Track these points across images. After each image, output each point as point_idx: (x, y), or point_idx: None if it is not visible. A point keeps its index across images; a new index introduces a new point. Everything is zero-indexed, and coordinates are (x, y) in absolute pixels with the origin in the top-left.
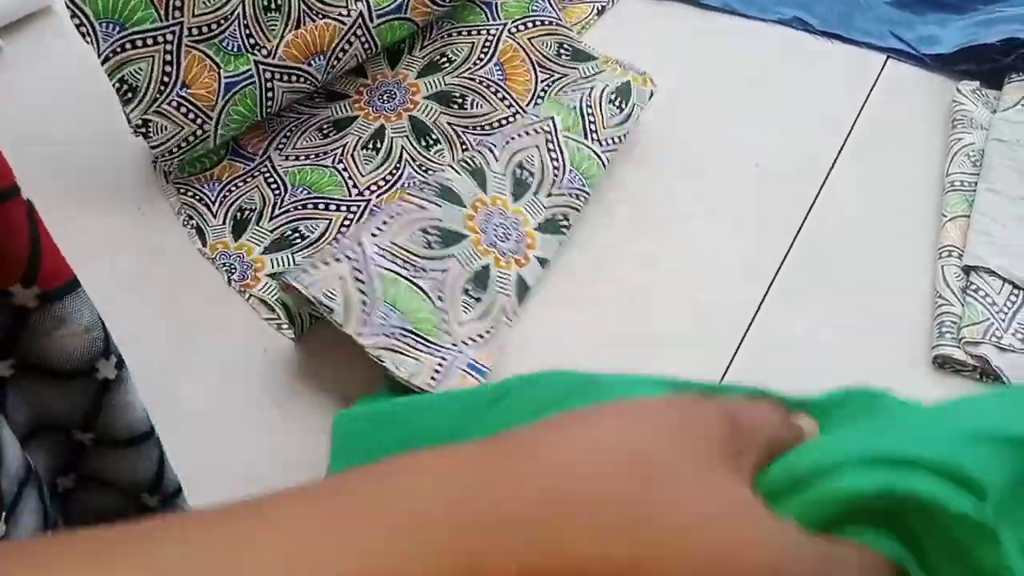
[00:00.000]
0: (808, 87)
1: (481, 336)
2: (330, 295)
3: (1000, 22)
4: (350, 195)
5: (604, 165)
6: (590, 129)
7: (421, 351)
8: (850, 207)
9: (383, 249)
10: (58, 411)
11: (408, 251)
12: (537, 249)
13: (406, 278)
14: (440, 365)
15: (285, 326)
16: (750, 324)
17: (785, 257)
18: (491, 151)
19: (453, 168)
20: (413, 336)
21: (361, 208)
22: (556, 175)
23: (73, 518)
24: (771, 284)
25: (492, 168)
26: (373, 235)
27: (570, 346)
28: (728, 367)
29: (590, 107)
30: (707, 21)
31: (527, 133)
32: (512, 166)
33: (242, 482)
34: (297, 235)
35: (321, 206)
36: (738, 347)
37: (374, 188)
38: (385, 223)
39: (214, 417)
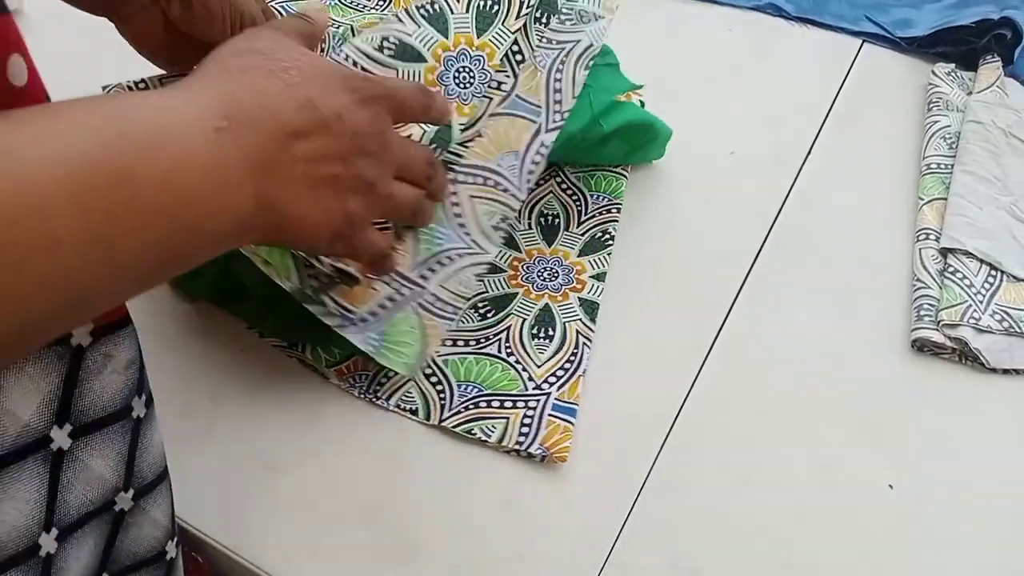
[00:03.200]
0: (783, 73)
1: (564, 369)
2: (407, 398)
3: (974, 4)
4: None
5: (624, 175)
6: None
7: (507, 408)
8: (827, 192)
9: (443, 341)
10: (104, 473)
11: (466, 330)
12: (588, 271)
13: (471, 354)
14: (528, 416)
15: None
16: (730, 309)
17: (763, 243)
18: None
19: (486, 236)
20: (495, 397)
21: None
22: (579, 206)
23: None
24: (750, 270)
25: (519, 228)
26: None
27: None
28: (709, 352)
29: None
30: (681, 8)
31: (538, 184)
32: (535, 217)
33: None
34: None
35: None
36: (718, 331)
37: None
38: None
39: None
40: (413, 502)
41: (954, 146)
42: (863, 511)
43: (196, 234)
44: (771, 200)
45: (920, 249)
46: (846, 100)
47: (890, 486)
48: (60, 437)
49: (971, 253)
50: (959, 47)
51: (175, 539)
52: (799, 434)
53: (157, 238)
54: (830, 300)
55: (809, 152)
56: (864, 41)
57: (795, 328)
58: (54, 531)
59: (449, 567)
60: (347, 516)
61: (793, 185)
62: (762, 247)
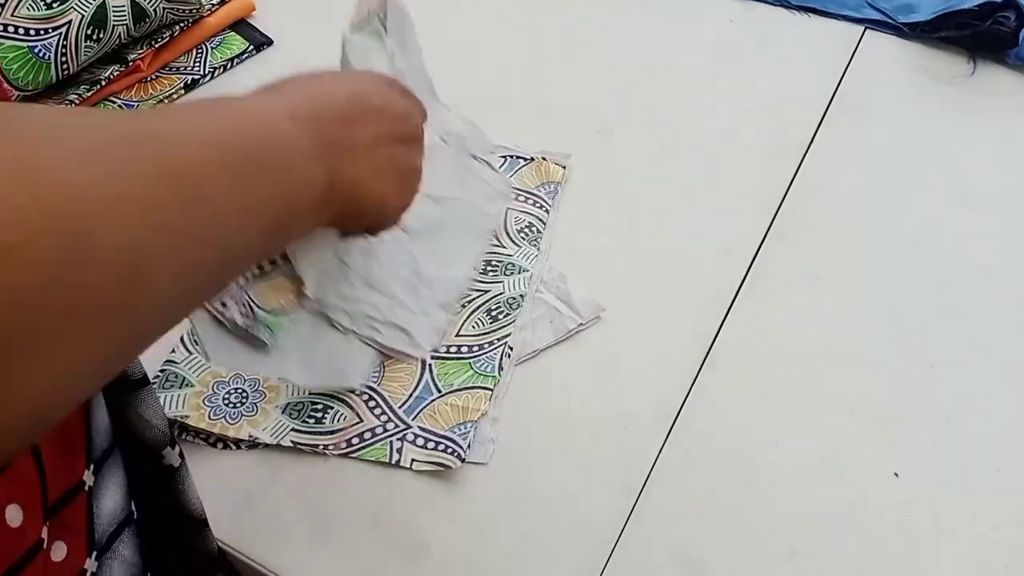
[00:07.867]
0: (785, 63)
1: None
2: None
3: None
4: None
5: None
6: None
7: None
8: (830, 182)
9: None
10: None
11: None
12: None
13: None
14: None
15: None
16: (733, 300)
17: (766, 234)
18: None
19: None
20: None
21: None
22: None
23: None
24: (752, 261)
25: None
26: None
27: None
28: (712, 343)
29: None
30: None
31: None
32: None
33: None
34: None
35: None
36: (721, 323)
37: None
38: None
39: None
40: (418, 500)
41: None
42: (869, 500)
43: (292, 208)
44: (774, 191)
45: None
46: (849, 88)
47: (895, 474)
48: None
49: None
50: (962, 31)
51: (176, 449)
52: (803, 424)
53: (269, 213)
54: (833, 290)
55: (812, 141)
56: (866, 28)
57: (798, 318)
58: None
59: (455, 564)
60: (353, 515)
61: (796, 175)
62: (764, 238)
